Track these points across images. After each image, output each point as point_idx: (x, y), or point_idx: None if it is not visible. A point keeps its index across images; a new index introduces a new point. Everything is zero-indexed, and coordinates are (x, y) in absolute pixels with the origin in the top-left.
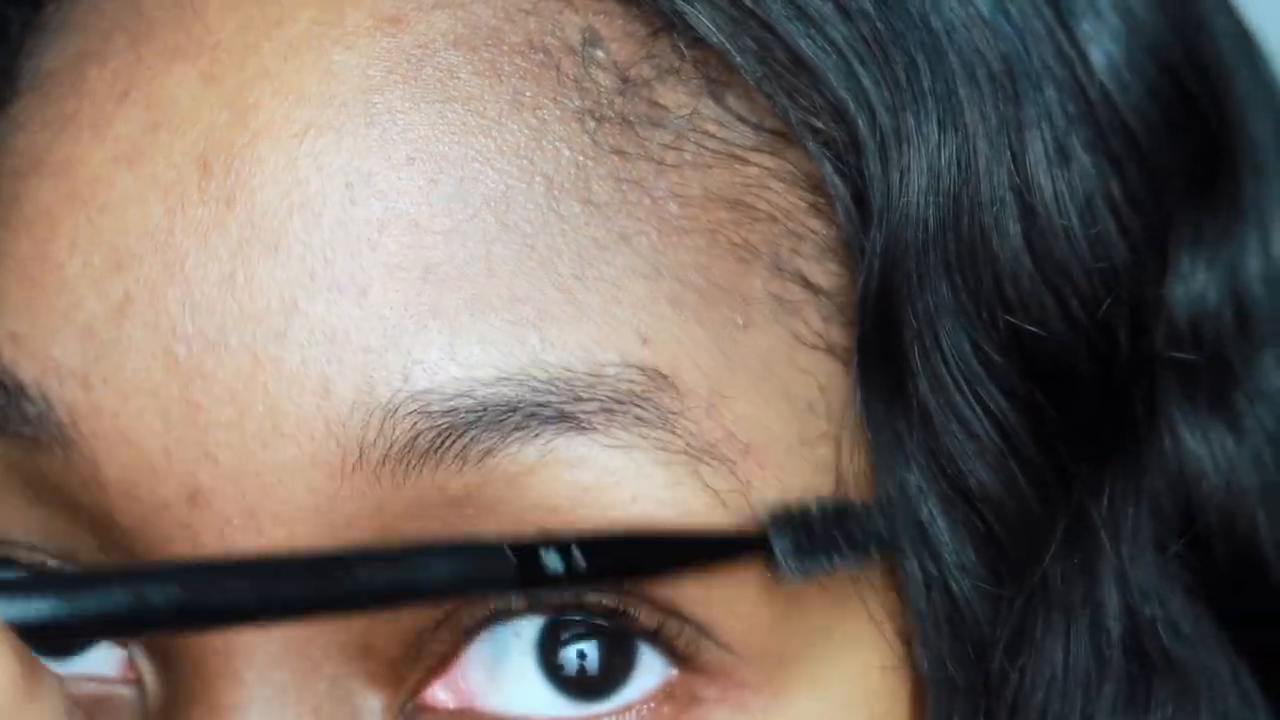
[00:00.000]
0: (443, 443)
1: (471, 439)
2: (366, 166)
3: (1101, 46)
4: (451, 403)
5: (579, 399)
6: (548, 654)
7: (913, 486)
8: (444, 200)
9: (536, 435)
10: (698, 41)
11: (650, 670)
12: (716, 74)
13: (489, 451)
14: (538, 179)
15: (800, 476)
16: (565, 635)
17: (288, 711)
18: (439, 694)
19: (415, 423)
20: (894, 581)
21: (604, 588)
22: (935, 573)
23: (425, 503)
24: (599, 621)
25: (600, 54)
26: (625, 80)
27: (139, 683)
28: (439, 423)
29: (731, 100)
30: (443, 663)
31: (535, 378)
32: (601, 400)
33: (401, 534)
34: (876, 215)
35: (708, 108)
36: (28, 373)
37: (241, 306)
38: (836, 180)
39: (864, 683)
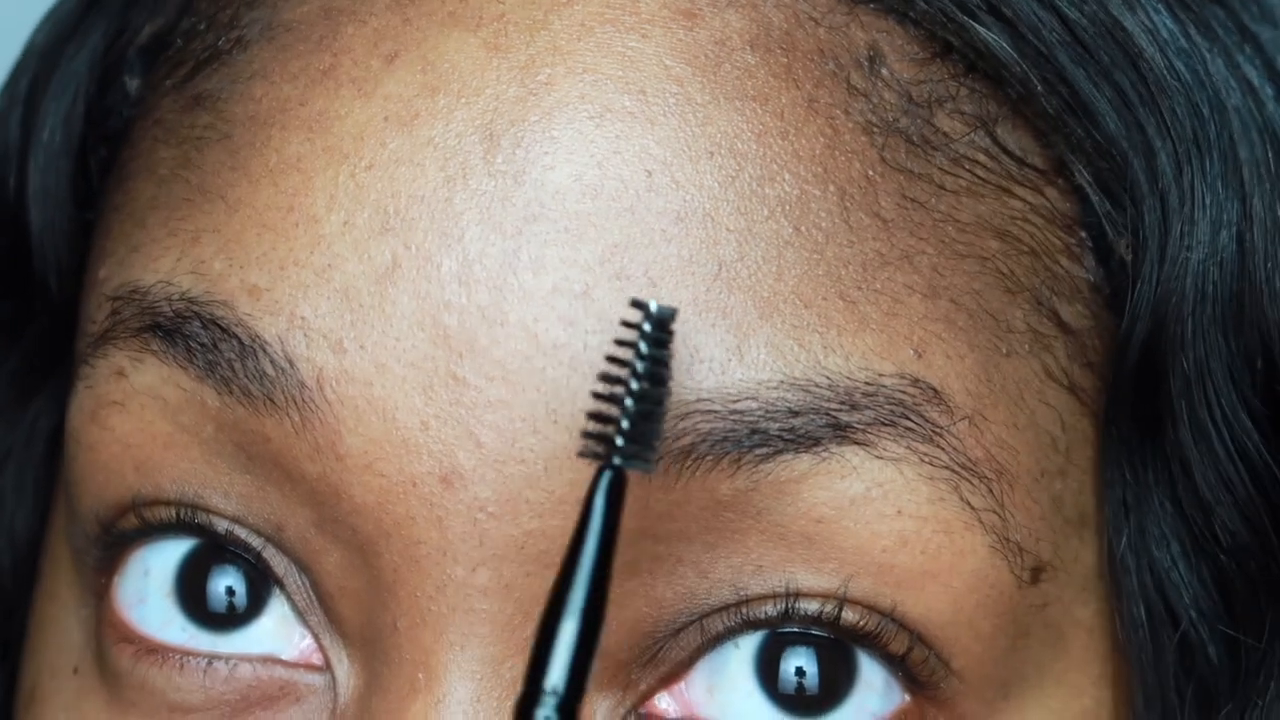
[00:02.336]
0: (721, 445)
1: (750, 443)
2: (666, 156)
3: None
4: (736, 404)
5: (855, 408)
6: (767, 669)
7: (1154, 530)
8: (741, 199)
9: (814, 444)
10: (972, 70)
11: (870, 691)
12: (988, 103)
13: (766, 457)
14: (831, 188)
15: (1040, 507)
16: (787, 649)
17: (509, 706)
18: (664, 701)
19: (698, 423)
20: (1108, 628)
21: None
22: (1169, 615)
23: (689, 505)
24: (824, 635)
25: (886, 71)
26: (910, 99)
27: (328, 669)
28: (722, 424)
29: (1000, 131)
30: (675, 670)
31: (816, 384)
32: (878, 410)
33: (658, 535)
34: (1151, 263)
35: (980, 136)
36: (270, 328)
37: (524, 285)
38: (1105, 224)
39: (1074, 715)
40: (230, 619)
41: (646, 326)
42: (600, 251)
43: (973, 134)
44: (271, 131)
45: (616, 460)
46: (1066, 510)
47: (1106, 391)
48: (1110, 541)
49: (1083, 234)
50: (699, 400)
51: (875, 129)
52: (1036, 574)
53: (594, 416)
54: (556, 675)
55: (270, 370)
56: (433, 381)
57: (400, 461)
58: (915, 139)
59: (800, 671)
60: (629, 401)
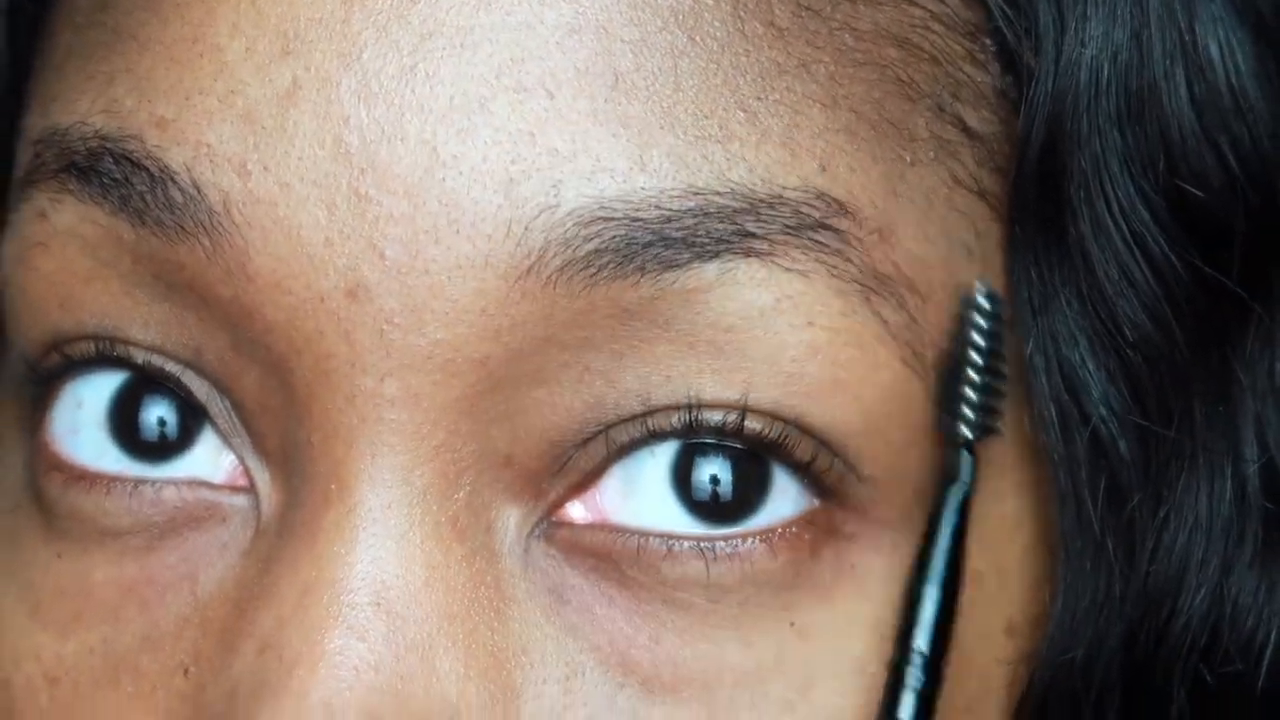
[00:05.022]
0: (625, 253)
1: (654, 251)
2: None
3: None
4: (640, 212)
5: (760, 218)
6: (681, 477)
7: (1062, 329)
8: (633, 9)
9: (718, 253)
10: None
11: (784, 497)
12: None
13: (670, 264)
14: None
15: (953, 318)
16: (699, 458)
17: (426, 519)
18: (575, 509)
19: (601, 230)
20: (1021, 432)
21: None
22: (1079, 413)
23: (594, 313)
24: (733, 445)
25: None
26: None
27: (252, 489)
28: (624, 231)
29: None
30: (585, 480)
31: (719, 193)
32: (784, 221)
33: (565, 343)
34: (1047, 63)
35: None
36: (176, 158)
37: (422, 100)
38: (1002, 26)
39: (989, 529)
40: (162, 448)
41: (984, 308)
42: (496, 64)
43: None
44: None
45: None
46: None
47: (1012, 194)
48: (1019, 343)
49: (986, 40)
50: (601, 208)
51: None
52: None
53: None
54: (921, 639)
55: (179, 199)
56: (335, 198)
57: (307, 278)
58: None
59: (715, 480)
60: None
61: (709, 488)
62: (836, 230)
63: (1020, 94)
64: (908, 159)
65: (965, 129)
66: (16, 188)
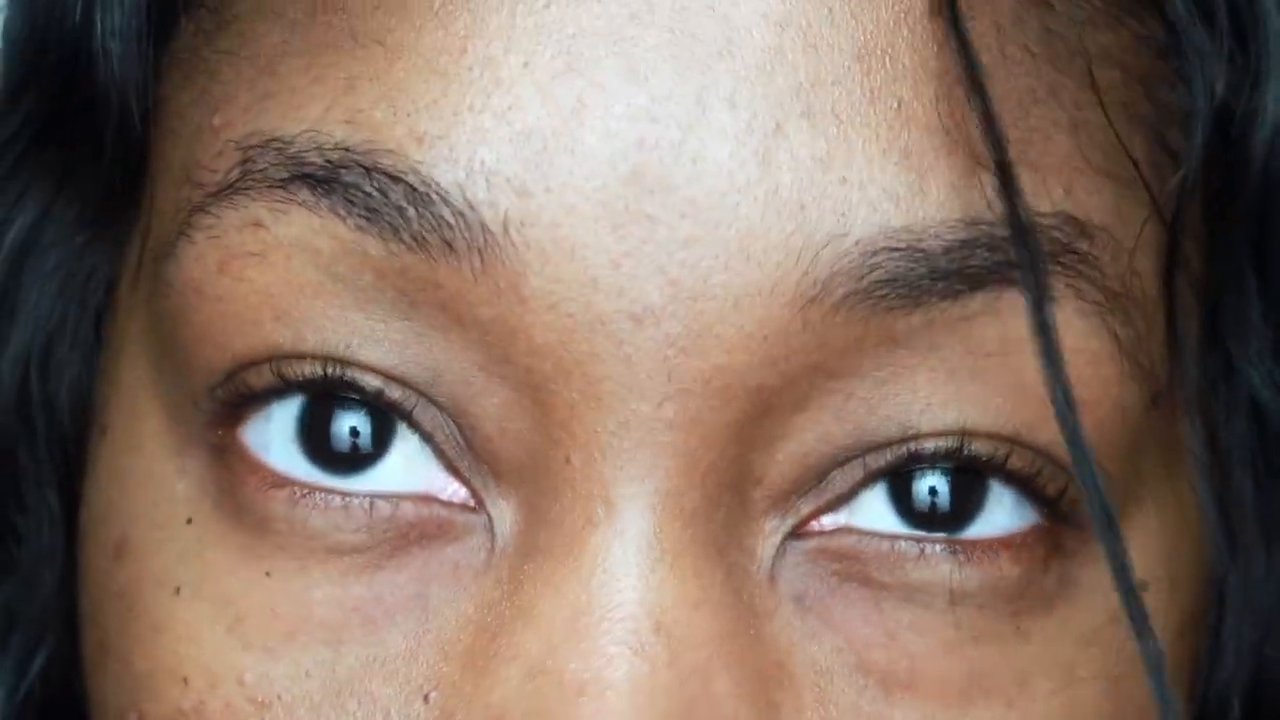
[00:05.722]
0: (906, 283)
1: (932, 282)
2: None
3: None
4: (921, 243)
5: (1022, 246)
6: (900, 487)
7: (1255, 347)
8: (913, 35)
9: (985, 283)
10: None
11: (1000, 507)
12: None
13: (945, 295)
14: (988, 21)
15: (1161, 332)
16: (917, 470)
17: (695, 540)
18: (822, 521)
19: (885, 260)
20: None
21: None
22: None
23: (866, 341)
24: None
25: None
26: None
27: (480, 509)
28: (906, 262)
29: None
30: (837, 500)
31: (990, 222)
32: (1040, 248)
33: (833, 370)
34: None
35: None
36: (447, 175)
37: (718, 123)
38: (1198, 54)
39: (1172, 534)
40: (354, 460)
41: None
42: (790, 88)
43: None
44: None
45: None
46: (1176, 333)
47: (1209, 219)
48: (1212, 361)
49: (1178, 63)
50: (886, 238)
51: None
52: (1155, 398)
53: None
54: None
55: (449, 218)
56: (623, 220)
57: (588, 300)
58: None
59: (933, 491)
60: None
61: (928, 499)
62: (1080, 253)
63: (1211, 117)
64: (1127, 179)
65: (1167, 149)
66: (212, 193)
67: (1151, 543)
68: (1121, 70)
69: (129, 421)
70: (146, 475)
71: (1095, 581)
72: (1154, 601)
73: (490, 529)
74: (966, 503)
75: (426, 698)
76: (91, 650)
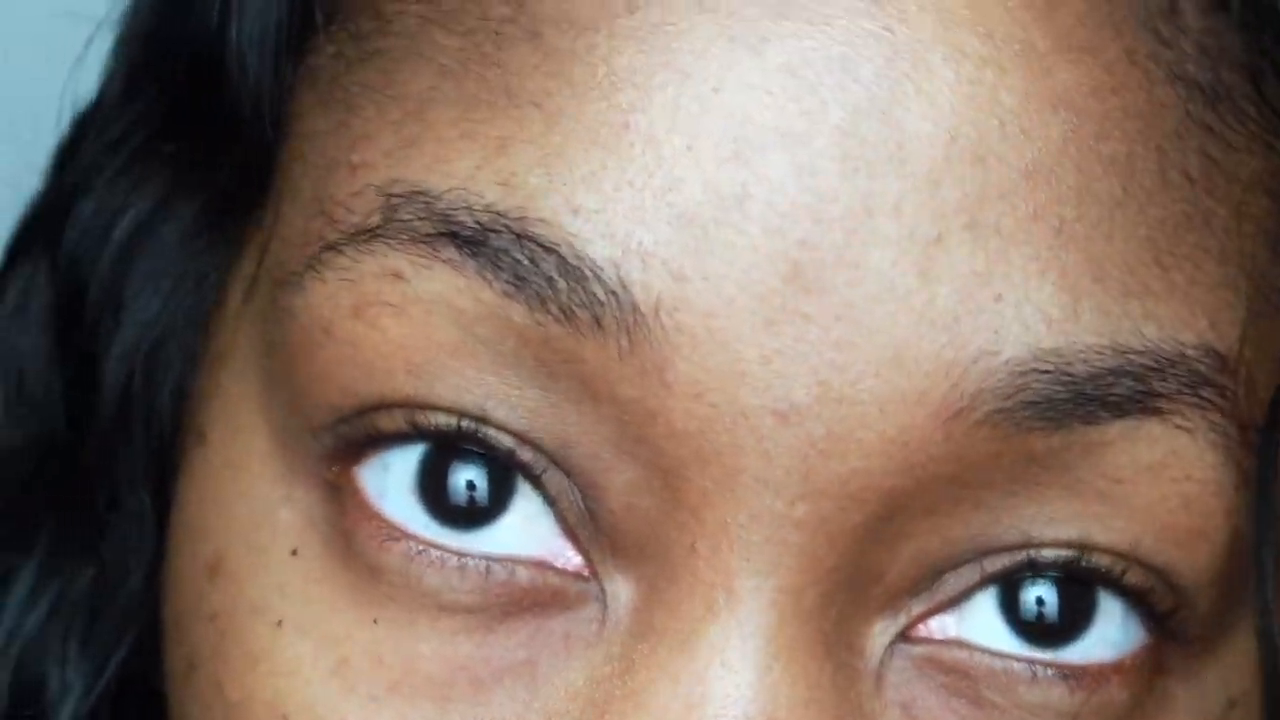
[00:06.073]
0: (1050, 406)
1: (1075, 407)
2: (1015, 106)
3: None
4: (1070, 367)
5: (1165, 378)
6: (1008, 597)
7: None
8: (1080, 155)
9: (1126, 410)
10: (1244, 20)
11: (1110, 622)
12: (1255, 55)
13: (1086, 420)
14: (1152, 145)
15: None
16: (1026, 580)
17: (807, 637)
18: (932, 624)
19: (1033, 381)
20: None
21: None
22: None
23: (1002, 458)
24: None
25: (1182, 18)
26: (1201, 49)
27: (594, 579)
28: (1052, 386)
29: (1263, 85)
30: (951, 601)
31: (1136, 350)
32: (1181, 380)
33: (966, 481)
34: None
35: (1250, 89)
36: (601, 252)
37: (881, 230)
38: None
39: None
40: (471, 515)
41: None
42: (956, 200)
43: (1246, 86)
44: (597, 39)
45: None
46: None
47: None
48: None
49: None
50: (1036, 360)
51: (1179, 81)
52: None
53: None
54: None
55: (601, 294)
56: (778, 317)
57: (734, 392)
58: (1208, 91)
59: (1040, 601)
60: None
61: (1035, 609)
62: (1219, 386)
63: None
64: (1267, 311)
65: None
66: (350, 235)
67: (1239, 659)
68: (1270, 199)
69: (231, 435)
70: (248, 496)
71: (1190, 698)
72: (1238, 716)
73: (603, 601)
74: (1075, 615)
75: None
76: (178, 664)
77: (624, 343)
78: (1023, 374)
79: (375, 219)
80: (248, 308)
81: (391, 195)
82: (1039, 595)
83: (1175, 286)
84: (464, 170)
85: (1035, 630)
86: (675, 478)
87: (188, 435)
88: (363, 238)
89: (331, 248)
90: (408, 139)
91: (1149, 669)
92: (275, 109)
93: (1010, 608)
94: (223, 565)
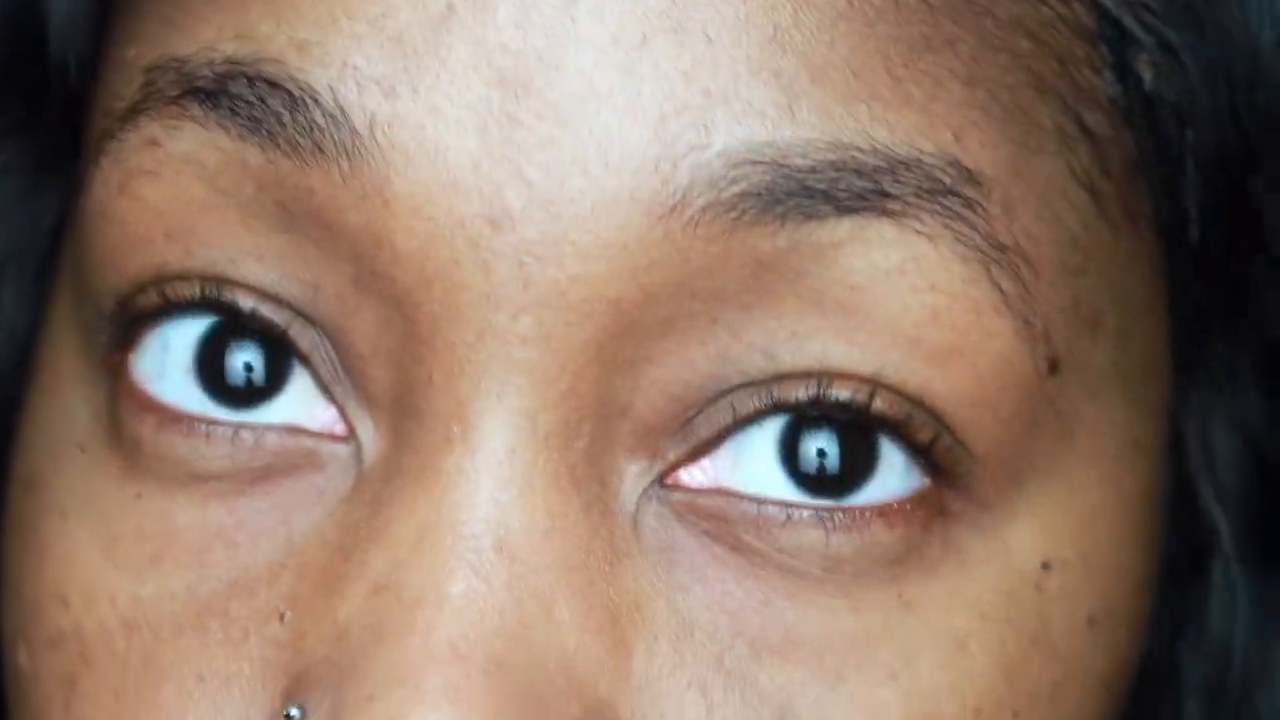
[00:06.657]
0: (769, 198)
1: (796, 200)
2: None
3: None
4: (786, 159)
5: (897, 179)
6: (788, 448)
7: (1218, 347)
8: None
9: (854, 209)
10: None
11: (891, 472)
12: None
13: (810, 215)
14: None
15: (1060, 300)
16: (806, 431)
17: (548, 466)
18: (690, 473)
19: (748, 172)
20: (1110, 428)
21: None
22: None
23: (729, 262)
24: (840, 419)
25: None
26: None
27: (351, 437)
28: (769, 177)
29: None
30: (703, 446)
31: (862, 149)
32: (918, 184)
33: (696, 291)
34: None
35: None
36: (320, 79)
37: (583, 33)
38: (1122, 40)
39: (1074, 518)
40: (248, 394)
41: None
42: (661, 4)
43: None
44: None
45: None
46: (1082, 309)
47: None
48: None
49: (1103, 48)
50: (749, 151)
51: None
52: (1053, 365)
53: None
54: None
55: (321, 120)
56: (486, 122)
57: (448, 203)
58: None
59: (821, 453)
60: None
61: (816, 461)
62: (965, 198)
63: (1130, 105)
64: (1031, 145)
65: (1083, 127)
66: (118, 117)
67: (1054, 521)
68: (1033, 42)
69: (51, 359)
70: (55, 410)
71: (990, 552)
72: (1055, 583)
73: (359, 457)
74: (856, 465)
75: (282, 617)
76: (4, 588)
77: (345, 166)
78: (736, 165)
79: (137, 95)
80: (69, 235)
81: (149, 70)
82: (820, 447)
83: (911, 98)
84: (209, 34)
85: (816, 482)
86: (408, 306)
87: (24, 378)
88: (128, 116)
89: (107, 135)
90: (168, 21)
91: (923, 513)
92: (81, 45)
93: (792, 461)
94: (33, 478)
